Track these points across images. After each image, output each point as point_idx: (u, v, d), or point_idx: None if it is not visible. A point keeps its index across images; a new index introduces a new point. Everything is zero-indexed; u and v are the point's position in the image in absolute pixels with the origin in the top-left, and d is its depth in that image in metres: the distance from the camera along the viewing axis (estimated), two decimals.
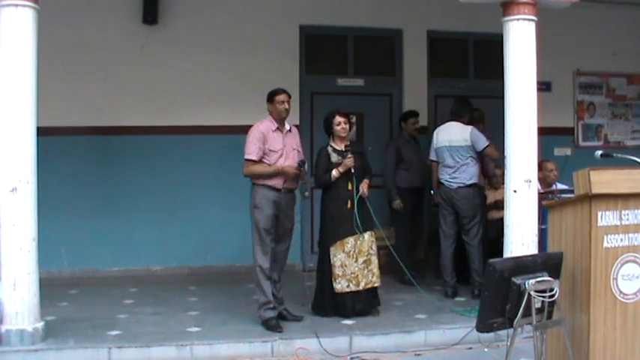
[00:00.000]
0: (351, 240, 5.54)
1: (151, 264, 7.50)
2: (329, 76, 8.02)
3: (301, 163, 5.48)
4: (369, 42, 8.14)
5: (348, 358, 4.89)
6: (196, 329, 5.22)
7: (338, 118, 5.69)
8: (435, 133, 6.66)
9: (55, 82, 6.80)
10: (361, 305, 5.57)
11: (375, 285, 5.64)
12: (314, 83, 7.94)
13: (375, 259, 5.62)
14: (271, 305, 5.31)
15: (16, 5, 4.66)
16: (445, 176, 6.44)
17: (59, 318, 5.40)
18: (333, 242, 5.54)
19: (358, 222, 5.52)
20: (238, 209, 7.34)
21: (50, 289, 5.44)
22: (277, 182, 5.37)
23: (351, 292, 5.52)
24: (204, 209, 7.47)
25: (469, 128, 6.43)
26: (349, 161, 5.55)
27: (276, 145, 5.40)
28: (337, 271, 5.52)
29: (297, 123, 7.70)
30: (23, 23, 4.69)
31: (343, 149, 5.66)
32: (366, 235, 5.59)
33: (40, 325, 4.80)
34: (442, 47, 8.25)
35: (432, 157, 6.64)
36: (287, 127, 5.54)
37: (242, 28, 7.59)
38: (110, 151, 7.40)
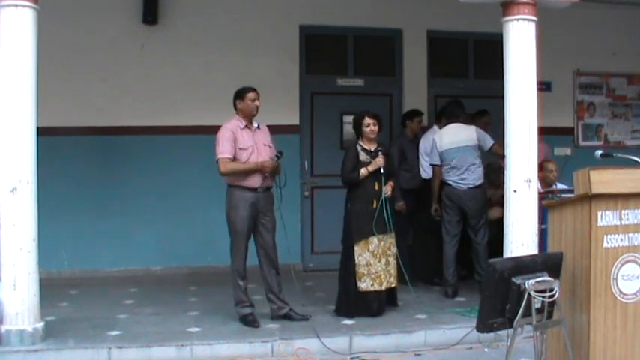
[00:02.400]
0: (375, 239, 5.56)
1: (151, 264, 7.50)
2: (329, 76, 8.02)
3: (279, 155, 5.45)
4: (369, 42, 8.13)
5: (348, 358, 4.89)
6: (196, 329, 5.22)
7: (367, 120, 5.67)
8: (436, 137, 6.56)
9: (55, 82, 6.80)
10: (383, 305, 5.61)
11: (393, 285, 5.69)
12: (314, 83, 7.93)
13: (393, 260, 5.66)
14: (247, 303, 5.38)
15: (16, 5, 4.66)
16: (453, 177, 6.37)
17: (59, 318, 5.40)
18: (357, 241, 5.55)
19: (388, 222, 5.57)
20: None
21: (50, 289, 5.44)
22: (254, 181, 5.33)
23: (375, 291, 5.55)
24: (205, 209, 7.45)
25: (473, 128, 6.44)
26: (380, 161, 5.56)
27: (245, 143, 5.36)
28: (362, 269, 5.54)
29: (297, 123, 7.72)
30: (23, 23, 4.68)
31: (372, 150, 5.66)
32: (388, 235, 5.63)
33: (40, 325, 4.80)
34: (442, 47, 8.25)
35: (436, 161, 6.52)
36: (255, 124, 5.50)
37: (242, 28, 7.59)
38: (110, 152, 7.41)
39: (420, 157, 6.96)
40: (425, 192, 6.95)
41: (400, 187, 6.79)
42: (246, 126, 5.42)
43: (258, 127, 5.50)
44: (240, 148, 5.33)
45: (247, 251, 5.39)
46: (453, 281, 6.38)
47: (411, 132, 7.17)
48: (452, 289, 6.34)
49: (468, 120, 6.70)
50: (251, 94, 5.43)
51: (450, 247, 6.43)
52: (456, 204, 6.38)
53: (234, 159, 5.32)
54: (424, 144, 6.94)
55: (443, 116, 6.87)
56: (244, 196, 5.31)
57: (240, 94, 5.46)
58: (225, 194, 5.42)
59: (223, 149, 5.31)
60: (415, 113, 7.21)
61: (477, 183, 6.33)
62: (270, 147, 5.51)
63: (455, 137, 6.41)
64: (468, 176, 6.33)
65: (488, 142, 6.37)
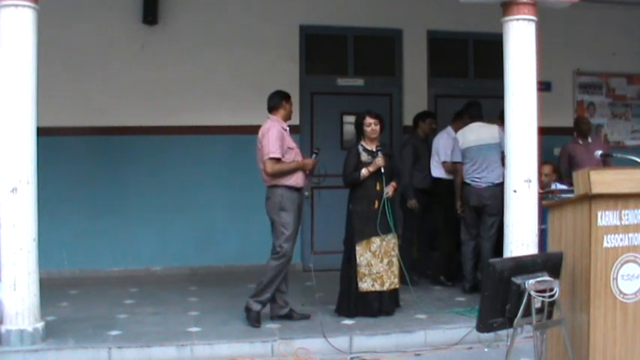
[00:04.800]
0: (377, 240, 5.56)
1: (151, 264, 7.50)
2: (329, 76, 8.02)
3: (317, 151, 5.61)
4: (369, 42, 8.14)
5: (348, 358, 4.90)
6: (197, 329, 5.22)
7: (368, 120, 5.67)
8: (459, 134, 6.63)
9: (55, 82, 6.80)
10: (386, 306, 5.60)
11: (396, 286, 5.69)
12: (314, 83, 7.94)
13: (396, 261, 5.66)
14: (265, 301, 5.39)
15: (16, 5, 4.66)
16: (473, 175, 6.42)
17: (59, 318, 5.40)
18: (359, 241, 5.56)
19: (390, 222, 5.57)
20: (239, 209, 7.35)
21: (50, 289, 5.43)
22: (298, 180, 5.42)
23: (376, 291, 5.55)
24: (205, 209, 7.47)
25: (496, 127, 6.45)
26: (380, 160, 5.56)
27: (291, 142, 5.50)
28: (363, 270, 5.54)
29: (297, 123, 7.72)
30: (23, 23, 4.68)
31: (374, 149, 5.67)
32: (390, 235, 5.62)
33: (40, 325, 4.79)
34: (442, 47, 8.25)
35: (457, 158, 6.60)
36: (287, 128, 5.60)
37: (242, 28, 7.60)
38: (110, 151, 7.41)
39: (432, 156, 7.04)
40: (436, 191, 7.00)
41: (413, 186, 6.89)
42: (286, 127, 5.54)
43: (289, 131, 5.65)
44: (288, 147, 5.43)
45: None
46: (471, 277, 6.45)
47: (423, 132, 7.22)
48: (469, 284, 6.42)
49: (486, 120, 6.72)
50: (291, 100, 5.63)
51: (469, 246, 6.52)
52: (475, 203, 6.40)
53: (282, 158, 5.40)
54: (438, 143, 7.02)
55: (462, 117, 6.93)
56: (292, 197, 5.41)
57: (286, 97, 5.58)
58: (267, 195, 5.46)
59: (274, 148, 5.35)
60: (427, 114, 7.29)
61: (496, 181, 6.32)
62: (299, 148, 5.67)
63: (478, 135, 6.47)
64: (488, 174, 6.35)
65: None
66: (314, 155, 5.61)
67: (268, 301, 5.43)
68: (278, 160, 5.36)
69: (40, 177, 4.85)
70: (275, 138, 5.35)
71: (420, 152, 7.04)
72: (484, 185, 6.37)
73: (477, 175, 6.41)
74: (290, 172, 5.40)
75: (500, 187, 6.34)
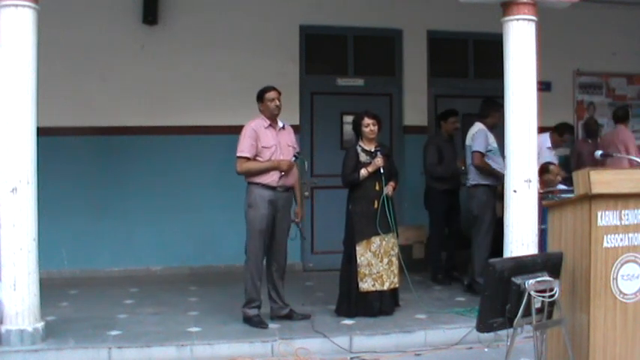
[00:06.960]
0: (377, 240, 5.57)
1: (151, 264, 7.50)
2: (329, 76, 8.02)
3: (297, 155, 5.51)
4: (369, 42, 8.14)
5: (348, 358, 4.90)
6: (196, 329, 5.23)
7: (367, 120, 5.67)
8: None
9: (55, 82, 6.79)
10: (386, 306, 5.60)
11: (396, 286, 5.70)
12: (314, 83, 7.94)
13: (395, 260, 5.66)
14: (257, 304, 5.38)
15: (16, 5, 4.66)
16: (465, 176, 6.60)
17: (59, 318, 5.40)
18: (359, 241, 5.56)
19: (390, 222, 5.57)
20: (238, 209, 7.29)
21: (50, 289, 5.44)
22: (272, 179, 5.35)
23: (376, 291, 5.55)
24: (205, 209, 7.46)
25: (476, 128, 6.45)
26: (379, 161, 5.57)
27: (268, 141, 5.38)
28: (364, 270, 5.54)
29: (297, 123, 7.72)
30: (23, 23, 4.68)
31: (372, 150, 5.67)
32: (390, 235, 5.63)
33: (40, 325, 4.80)
34: (442, 47, 8.26)
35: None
36: (280, 124, 5.53)
37: (242, 28, 7.60)
38: (110, 151, 7.40)
39: None
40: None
41: (435, 187, 6.96)
42: (270, 125, 5.45)
43: (282, 127, 5.54)
44: (263, 147, 5.36)
45: (264, 250, 5.41)
46: (469, 277, 6.49)
47: (446, 132, 7.16)
48: (467, 283, 6.47)
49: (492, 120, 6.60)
50: (269, 94, 5.46)
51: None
52: (464, 204, 6.60)
53: (255, 157, 5.34)
54: None
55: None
56: (262, 194, 5.33)
57: (259, 96, 5.50)
58: (245, 192, 5.44)
59: (243, 147, 5.34)
60: (449, 113, 7.16)
61: (472, 182, 6.40)
62: (293, 147, 5.56)
63: (467, 136, 6.54)
64: (468, 175, 6.44)
65: (475, 146, 6.34)
66: (294, 158, 5.51)
67: (260, 304, 5.40)
68: (247, 159, 5.33)
69: (40, 177, 4.85)
70: (245, 137, 5.35)
71: (444, 153, 6.99)
72: (466, 186, 6.52)
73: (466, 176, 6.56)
74: (263, 171, 5.34)
75: (476, 188, 6.35)
